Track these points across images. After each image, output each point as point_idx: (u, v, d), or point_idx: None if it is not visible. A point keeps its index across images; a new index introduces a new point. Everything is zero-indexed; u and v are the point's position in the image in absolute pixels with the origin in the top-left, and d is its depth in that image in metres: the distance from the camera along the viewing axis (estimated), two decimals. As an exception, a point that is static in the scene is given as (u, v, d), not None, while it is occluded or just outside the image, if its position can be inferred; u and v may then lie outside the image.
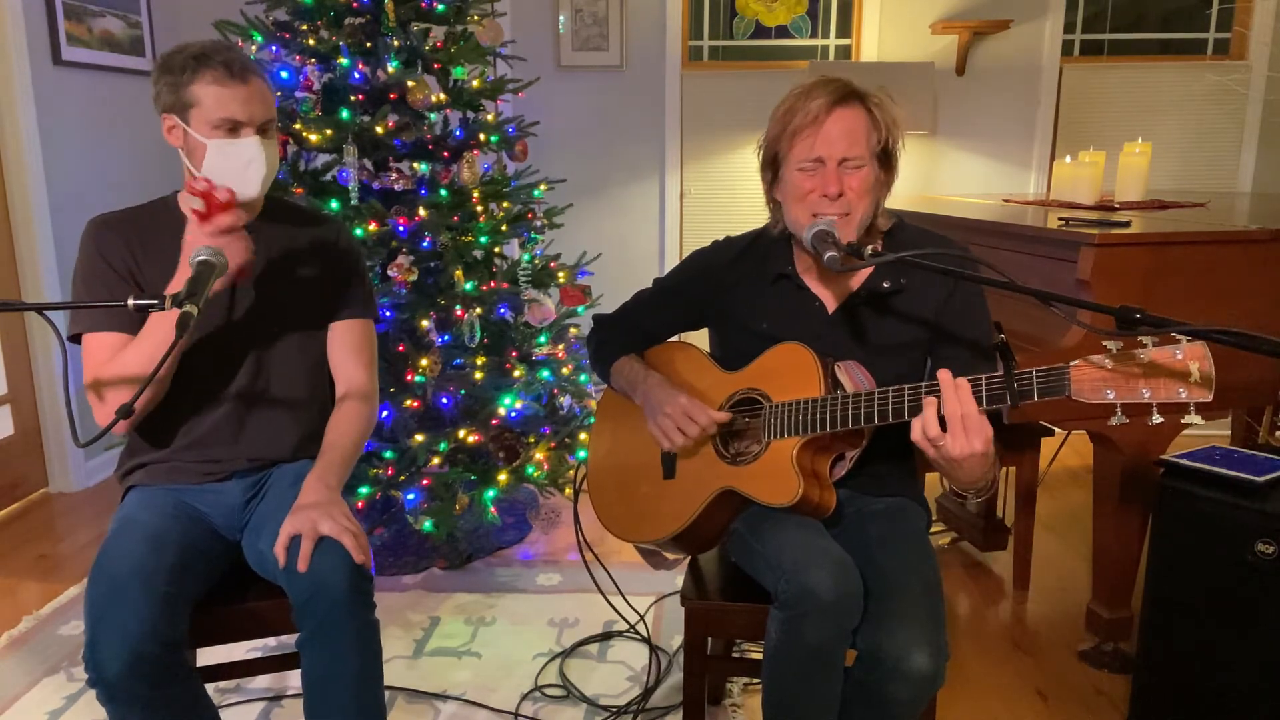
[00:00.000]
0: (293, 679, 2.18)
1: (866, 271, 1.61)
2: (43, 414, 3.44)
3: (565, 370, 2.98)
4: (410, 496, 2.61)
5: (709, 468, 1.64)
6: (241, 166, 1.53)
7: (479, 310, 2.71)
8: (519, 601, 2.59)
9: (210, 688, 1.51)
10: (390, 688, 2.15)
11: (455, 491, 2.65)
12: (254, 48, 2.73)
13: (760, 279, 1.68)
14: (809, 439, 1.52)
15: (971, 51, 4.18)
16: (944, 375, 1.34)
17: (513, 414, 2.78)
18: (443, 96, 2.78)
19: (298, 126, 2.59)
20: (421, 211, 2.62)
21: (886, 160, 1.56)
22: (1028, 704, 2.11)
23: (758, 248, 1.71)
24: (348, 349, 1.74)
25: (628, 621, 2.41)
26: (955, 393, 1.32)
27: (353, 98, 2.67)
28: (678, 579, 2.54)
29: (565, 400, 2.97)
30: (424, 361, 2.60)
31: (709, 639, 1.75)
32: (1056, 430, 2.77)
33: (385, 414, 2.61)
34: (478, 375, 2.72)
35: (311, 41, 2.65)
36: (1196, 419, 1.22)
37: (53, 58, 3.34)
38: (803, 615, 1.39)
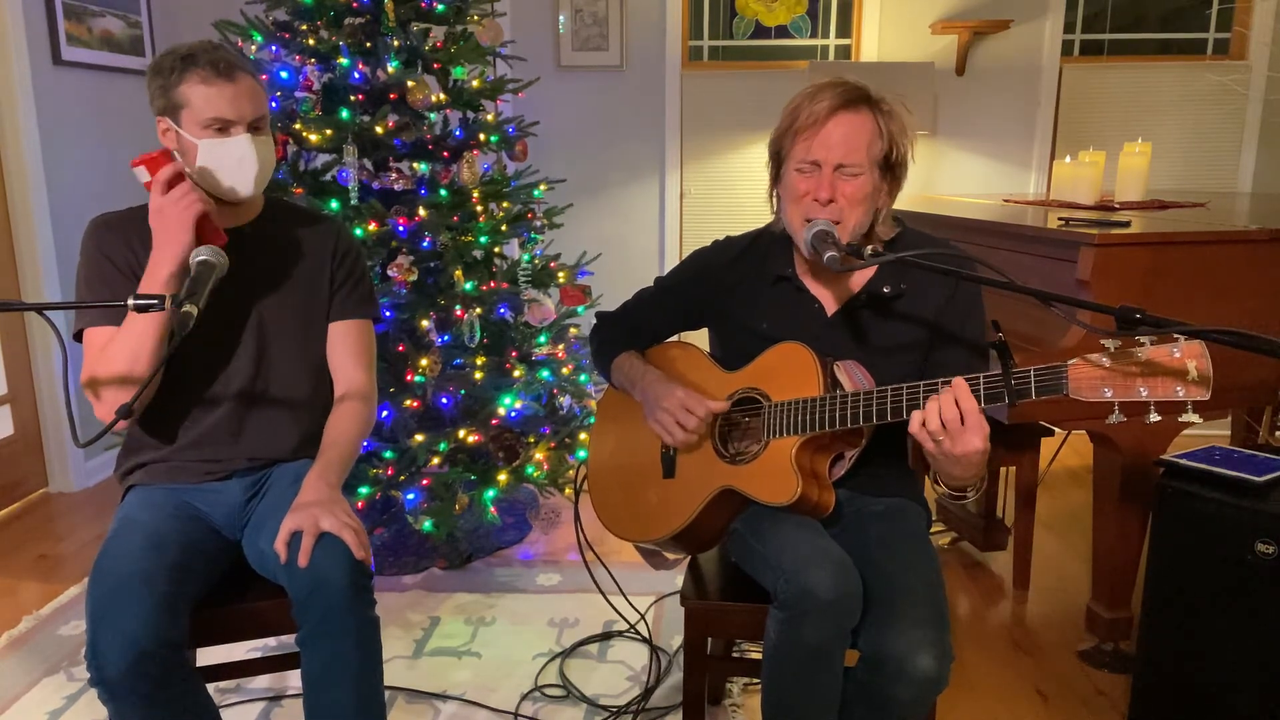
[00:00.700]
0: (293, 679, 2.18)
1: (867, 275, 1.61)
2: (43, 414, 3.45)
3: (565, 370, 2.98)
4: (410, 496, 2.61)
5: (709, 467, 1.64)
6: (233, 165, 1.53)
7: (479, 310, 2.71)
8: (519, 601, 2.60)
9: (210, 688, 1.51)
10: (390, 688, 2.15)
11: (455, 491, 2.65)
12: (254, 48, 2.73)
13: (760, 280, 1.68)
14: (808, 438, 1.52)
15: (971, 51, 4.18)
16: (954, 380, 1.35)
17: (513, 414, 2.78)
18: (443, 96, 2.78)
19: (298, 126, 2.59)
20: (421, 211, 2.62)
21: (890, 169, 1.55)
22: (1028, 704, 2.11)
23: (758, 248, 1.71)
24: (347, 349, 1.74)
25: (628, 621, 2.41)
26: (955, 391, 1.33)
27: (353, 98, 2.67)
28: (678, 579, 2.54)
29: (565, 400, 2.97)
30: (424, 361, 2.60)
31: (709, 639, 1.75)
32: (1056, 430, 2.77)
33: (385, 414, 2.61)
34: (478, 375, 2.72)
35: (311, 41, 2.65)
36: (1194, 418, 1.22)
37: (53, 58, 3.34)
38: (802, 615, 1.39)
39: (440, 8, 2.76)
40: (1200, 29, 4.22)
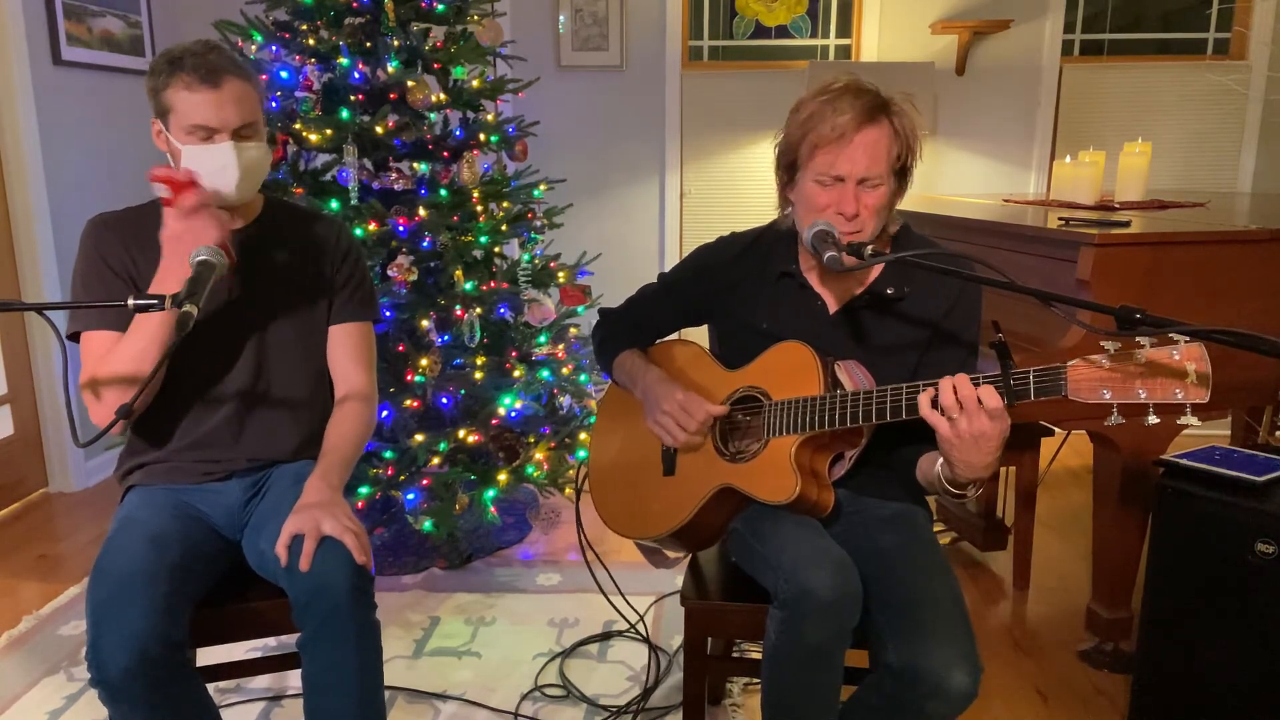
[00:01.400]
0: (293, 679, 2.18)
1: (872, 275, 1.61)
2: (43, 414, 3.44)
3: (565, 370, 2.98)
4: (410, 496, 2.61)
5: (708, 465, 1.64)
6: (215, 172, 1.52)
7: (479, 310, 2.71)
8: (519, 601, 2.59)
9: (210, 688, 1.51)
10: (390, 688, 2.15)
11: (455, 491, 2.65)
12: (254, 48, 2.73)
13: (763, 277, 1.68)
14: (808, 437, 1.53)
15: (971, 51, 4.18)
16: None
17: (513, 414, 2.78)
18: (443, 96, 2.78)
19: (298, 126, 2.59)
20: (421, 211, 2.62)
21: (902, 173, 1.55)
22: (1028, 704, 2.11)
23: (761, 245, 1.71)
24: (348, 352, 1.74)
25: (628, 621, 2.41)
26: (957, 379, 1.33)
27: (353, 98, 2.67)
28: (677, 579, 2.54)
29: (565, 400, 2.97)
30: (424, 361, 2.60)
31: (709, 639, 1.75)
32: (1056, 430, 2.77)
33: (385, 414, 2.61)
34: (478, 375, 2.72)
35: (311, 41, 2.65)
36: (1193, 420, 1.22)
37: (53, 58, 3.34)
38: (802, 615, 1.39)
39: (440, 8, 2.75)
40: (1200, 29, 4.22)
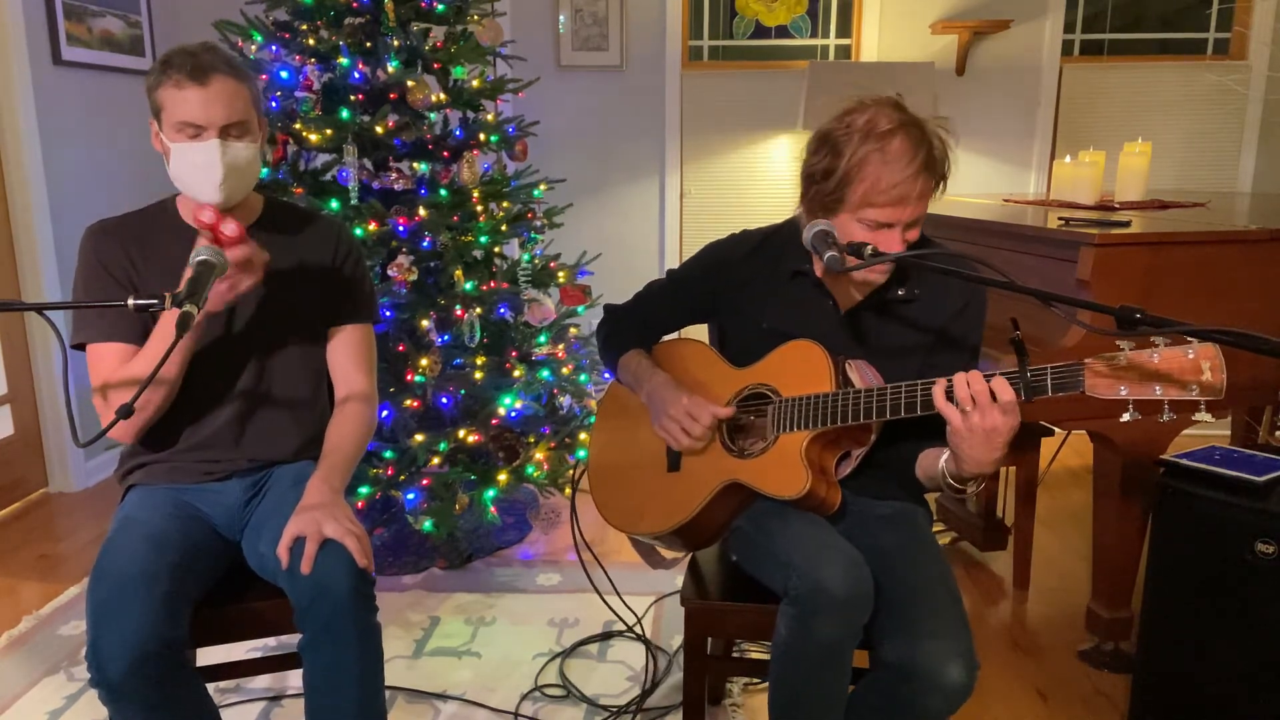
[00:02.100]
0: (293, 679, 2.18)
1: (883, 278, 1.60)
2: (43, 414, 3.44)
3: (565, 370, 2.98)
4: (410, 496, 2.61)
5: (715, 460, 1.64)
6: (197, 170, 1.52)
7: (479, 310, 2.71)
8: (519, 601, 2.59)
9: (210, 688, 1.51)
10: (390, 688, 2.15)
11: (455, 491, 2.65)
12: (254, 48, 2.73)
13: (775, 275, 1.67)
14: (818, 433, 1.53)
15: (971, 51, 4.18)
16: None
17: (513, 414, 2.78)
18: (443, 96, 2.78)
19: (298, 126, 2.59)
20: (421, 211, 2.62)
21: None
22: (1028, 704, 2.11)
23: (774, 243, 1.70)
24: (348, 353, 1.74)
25: (625, 624, 2.41)
26: (970, 375, 1.35)
27: (353, 98, 2.67)
28: (677, 579, 2.54)
29: (565, 400, 2.97)
30: (424, 361, 2.60)
31: (709, 639, 1.75)
32: (1056, 430, 2.77)
33: (385, 414, 2.61)
34: (478, 375, 2.72)
35: (311, 41, 2.65)
36: (1207, 416, 1.24)
37: (53, 58, 3.34)
38: (814, 612, 1.39)
39: (440, 8, 2.76)
40: (1200, 29, 4.22)
